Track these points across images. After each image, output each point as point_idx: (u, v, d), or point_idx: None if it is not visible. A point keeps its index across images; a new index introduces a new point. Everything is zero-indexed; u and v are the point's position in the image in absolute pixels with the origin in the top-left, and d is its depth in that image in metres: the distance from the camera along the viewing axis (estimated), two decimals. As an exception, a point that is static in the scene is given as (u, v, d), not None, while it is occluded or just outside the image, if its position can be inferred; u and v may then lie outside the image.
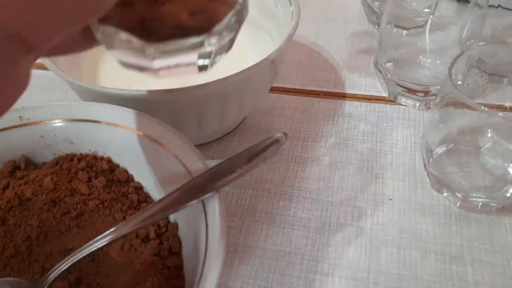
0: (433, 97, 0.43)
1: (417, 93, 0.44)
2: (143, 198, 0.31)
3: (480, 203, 0.35)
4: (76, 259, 0.25)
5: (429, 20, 0.40)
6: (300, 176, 0.39)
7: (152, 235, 0.28)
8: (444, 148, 0.37)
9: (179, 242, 0.28)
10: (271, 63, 0.34)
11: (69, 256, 0.26)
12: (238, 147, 0.42)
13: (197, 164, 0.27)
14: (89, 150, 0.33)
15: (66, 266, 0.25)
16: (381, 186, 0.38)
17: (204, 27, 0.18)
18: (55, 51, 0.20)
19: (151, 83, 0.42)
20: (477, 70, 0.47)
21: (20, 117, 0.32)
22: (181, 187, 0.26)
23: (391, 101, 0.46)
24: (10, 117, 0.31)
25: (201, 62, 0.20)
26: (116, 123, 0.31)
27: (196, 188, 0.26)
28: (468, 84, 0.46)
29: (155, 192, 0.31)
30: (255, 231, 0.35)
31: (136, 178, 0.32)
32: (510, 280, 0.31)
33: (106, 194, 0.30)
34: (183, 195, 0.26)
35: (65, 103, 0.32)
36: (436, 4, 0.49)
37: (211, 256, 0.23)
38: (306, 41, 0.55)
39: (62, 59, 0.37)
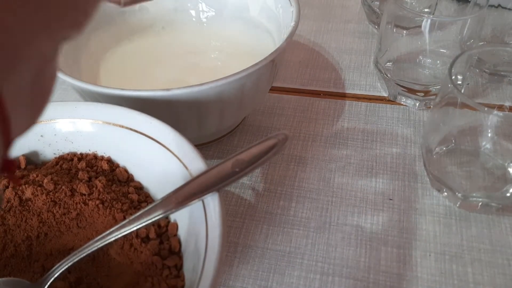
0: (433, 97, 0.43)
1: (417, 93, 0.44)
2: (143, 198, 0.31)
3: (480, 203, 0.34)
4: (76, 259, 0.25)
5: (429, 20, 0.40)
6: (300, 176, 0.39)
7: (152, 235, 0.28)
8: (444, 148, 0.37)
9: (179, 242, 0.28)
10: (271, 63, 0.34)
11: (69, 256, 0.26)
12: (238, 147, 0.42)
13: (197, 164, 0.27)
14: (89, 150, 0.33)
15: (66, 266, 0.25)
16: (381, 186, 0.38)
17: None
18: None
19: (151, 83, 0.42)
20: (477, 70, 0.47)
21: (20, 117, 0.32)
22: (181, 187, 0.26)
23: (391, 101, 0.46)
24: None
25: None
26: (116, 123, 0.31)
27: (196, 188, 0.26)
28: (468, 84, 0.46)
29: (155, 192, 0.31)
30: (255, 231, 0.35)
31: (136, 178, 0.32)
32: (510, 280, 0.31)
33: (106, 194, 0.30)
34: (183, 195, 0.26)
35: (65, 103, 0.32)
36: (436, 4, 0.49)
37: (211, 256, 0.23)
38: (306, 41, 0.55)
39: (62, 59, 0.37)
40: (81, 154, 0.33)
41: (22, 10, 0.11)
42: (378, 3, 0.55)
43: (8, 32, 0.11)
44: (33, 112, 0.14)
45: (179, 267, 0.27)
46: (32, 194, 0.29)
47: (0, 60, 0.11)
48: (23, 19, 0.12)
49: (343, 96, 0.47)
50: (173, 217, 0.29)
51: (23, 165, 0.32)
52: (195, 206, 0.26)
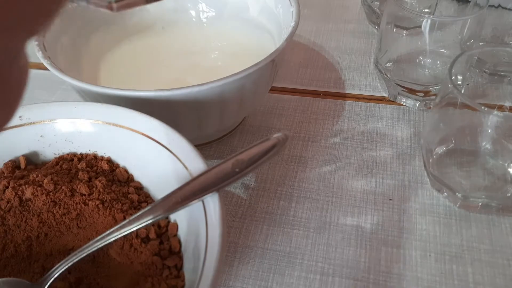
0: (433, 97, 0.43)
1: (417, 93, 0.44)
2: (143, 198, 0.31)
3: (480, 203, 0.34)
4: (76, 259, 0.25)
5: (429, 20, 0.40)
6: (300, 176, 0.39)
7: (152, 235, 0.28)
8: (444, 148, 0.37)
9: (179, 242, 0.28)
10: (271, 63, 0.34)
11: (69, 256, 0.26)
12: (238, 147, 0.42)
13: (197, 164, 0.27)
14: (89, 150, 0.33)
15: (66, 266, 0.25)
16: (381, 186, 0.38)
17: None
18: None
19: (151, 83, 0.42)
20: (477, 70, 0.47)
21: (20, 117, 0.32)
22: (181, 187, 0.26)
23: (391, 101, 0.46)
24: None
25: None
26: (116, 123, 0.31)
27: (196, 188, 0.26)
28: (468, 84, 0.46)
29: (155, 192, 0.31)
30: (255, 231, 0.35)
31: (136, 178, 0.32)
32: (510, 280, 0.31)
33: (106, 194, 0.30)
34: (183, 195, 0.26)
35: (65, 103, 0.32)
36: (436, 4, 0.49)
37: (211, 256, 0.23)
38: (306, 41, 0.55)
39: (62, 59, 0.37)
40: (81, 154, 0.33)
41: None
42: (378, 3, 0.55)
43: None
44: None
45: (179, 267, 0.27)
46: (32, 194, 0.29)
47: None
48: None
49: (343, 96, 0.47)
50: (173, 217, 0.29)
51: (23, 165, 0.32)
52: (195, 206, 0.26)
